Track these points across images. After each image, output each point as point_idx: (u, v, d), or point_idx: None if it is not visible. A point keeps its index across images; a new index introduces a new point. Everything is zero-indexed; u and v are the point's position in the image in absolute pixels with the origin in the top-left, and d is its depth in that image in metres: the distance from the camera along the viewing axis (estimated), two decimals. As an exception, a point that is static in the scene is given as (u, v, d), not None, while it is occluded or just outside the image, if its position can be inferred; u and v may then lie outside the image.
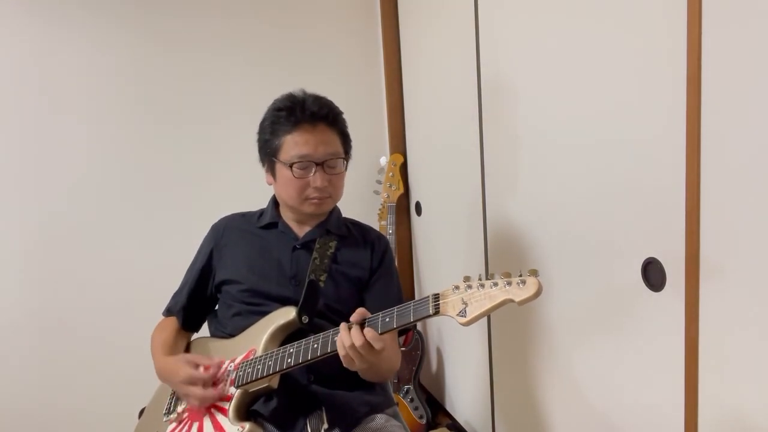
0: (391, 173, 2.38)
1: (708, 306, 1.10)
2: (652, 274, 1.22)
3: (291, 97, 1.37)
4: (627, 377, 1.33)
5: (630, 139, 1.24)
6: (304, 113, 1.33)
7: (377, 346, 1.10)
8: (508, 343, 1.83)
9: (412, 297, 2.54)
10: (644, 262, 1.23)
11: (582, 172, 1.40)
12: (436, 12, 2.06)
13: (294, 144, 1.33)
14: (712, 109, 1.05)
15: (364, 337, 1.10)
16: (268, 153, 1.38)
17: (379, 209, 2.39)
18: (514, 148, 1.66)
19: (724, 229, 1.06)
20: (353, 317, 1.15)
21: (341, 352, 1.13)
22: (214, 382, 1.28)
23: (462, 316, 1.02)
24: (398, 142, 2.47)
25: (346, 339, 1.11)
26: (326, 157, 1.34)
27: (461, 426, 2.23)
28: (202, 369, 1.28)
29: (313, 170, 1.34)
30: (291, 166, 1.33)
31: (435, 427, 2.30)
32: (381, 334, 1.11)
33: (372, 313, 1.15)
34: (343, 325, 1.14)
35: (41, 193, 2.08)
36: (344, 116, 1.41)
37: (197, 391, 1.25)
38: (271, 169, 1.40)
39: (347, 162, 1.43)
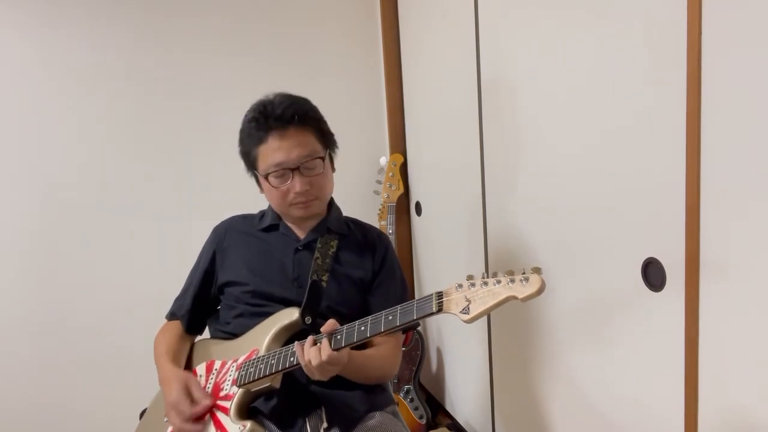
0: (391, 173, 2.38)
1: (708, 306, 1.10)
2: (652, 274, 1.22)
3: (260, 103, 1.35)
4: (627, 377, 1.33)
5: (630, 139, 1.24)
6: (269, 119, 1.30)
7: (324, 355, 1.12)
8: (508, 343, 1.83)
9: (413, 297, 2.54)
10: (644, 262, 1.23)
11: (582, 172, 1.40)
12: (436, 12, 2.06)
13: (268, 154, 1.31)
14: (712, 109, 1.05)
15: (319, 354, 1.12)
16: (249, 166, 1.38)
17: (379, 209, 2.39)
18: (513, 148, 1.66)
19: (724, 229, 1.06)
20: (323, 328, 1.16)
21: (302, 363, 1.15)
22: (198, 417, 1.27)
23: (465, 313, 1.02)
24: (398, 142, 2.47)
25: (300, 358, 1.14)
26: (301, 161, 1.31)
27: (461, 426, 2.23)
28: (189, 403, 1.26)
29: (291, 176, 1.32)
30: (267, 176, 1.32)
31: (435, 427, 2.30)
32: (341, 348, 1.14)
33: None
34: (296, 344, 1.17)
35: (42, 193, 2.08)
36: (318, 109, 1.37)
37: (177, 420, 1.25)
38: (256, 180, 1.41)
39: (330, 158, 1.40)
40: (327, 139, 1.38)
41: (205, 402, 1.27)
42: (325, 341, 1.14)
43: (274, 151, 1.30)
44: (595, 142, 1.35)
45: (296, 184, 1.31)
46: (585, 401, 1.48)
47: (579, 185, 1.41)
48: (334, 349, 1.13)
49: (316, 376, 1.16)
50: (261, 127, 1.31)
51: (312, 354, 1.13)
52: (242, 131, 1.37)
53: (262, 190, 1.41)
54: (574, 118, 1.40)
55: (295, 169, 1.31)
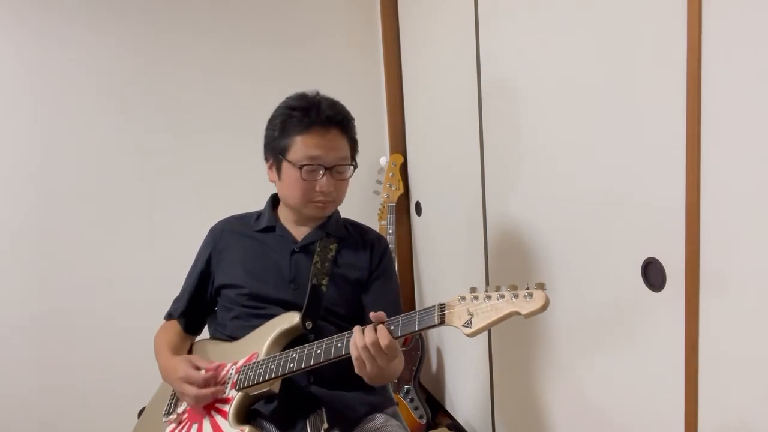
0: (391, 173, 2.38)
1: (708, 306, 1.10)
2: (652, 274, 1.22)
3: (305, 97, 1.37)
4: (627, 377, 1.33)
5: (630, 139, 1.24)
6: (319, 116, 1.32)
7: (384, 344, 1.09)
8: (508, 343, 1.83)
9: (413, 297, 2.54)
10: (644, 262, 1.23)
11: (582, 172, 1.40)
12: (436, 12, 2.06)
13: (305, 146, 1.32)
14: (712, 109, 1.05)
15: (377, 336, 1.09)
16: (276, 150, 1.37)
17: (379, 209, 2.39)
18: (514, 148, 1.66)
19: (724, 229, 1.06)
20: (372, 316, 1.14)
21: (354, 354, 1.12)
22: (211, 383, 1.28)
23: (467, 327, 1.02)
24: (398, 142, 2.47)
25: (359, 339, 1.11)
26: (336, 162, 1.34)
27: (461, 426, 2.23)
28: (202, 371, 1.28)
29: (322, 174, 1.34)
30: (301, 168, 1.32)
31: (435, 427, 2.30)
32: (396, 338, 1.11)
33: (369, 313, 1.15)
34: (357, 328, 1.13)
35: (42, 194, 2.08)
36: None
37: (192, 389, 1.26)
38: (276, 167, 1.39)
39: (354, 168, 1.42)
40: (355, 152, 1.42)
41: (213, 365, 1.29)
42: (382, 327, 1.11)
43: (314, 145, 1.32)
44: (595, 141, 1.34)
45: (325, 182, 1.34)
46: (585, 400, 1.48)
47: (579, 185, 1.41)
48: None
49: (366, 368, 1.12)
50: (305, 119, 1.32)
51: (369, 337, 1.09)
52: (278, 116, 1.37)
53: (278, 178, 1.38)
54: (574, 118, 1.40)
55: (328, 169, 1.34)
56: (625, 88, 1.24)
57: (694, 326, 1.12)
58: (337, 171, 1.36)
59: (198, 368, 1.29)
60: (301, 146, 1.33)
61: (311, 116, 1.32)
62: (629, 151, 1.25)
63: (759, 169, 0.99)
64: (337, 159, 1.34)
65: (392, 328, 1.10)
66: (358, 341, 1.11)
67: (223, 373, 1.32)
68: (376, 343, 1.09)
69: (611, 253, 1.33)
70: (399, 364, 1.35)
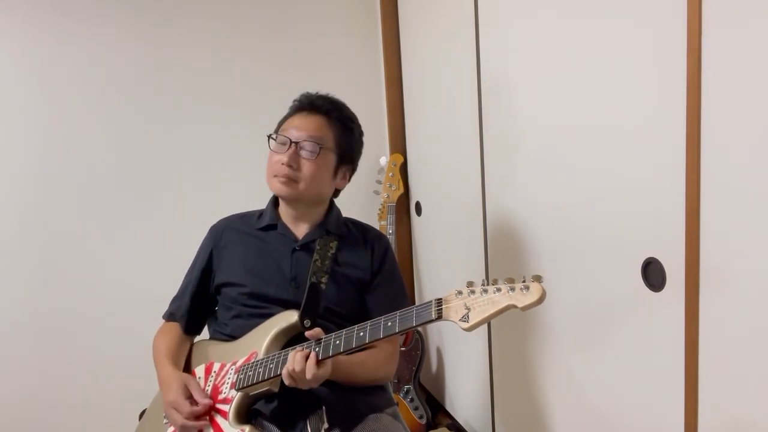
0: (391, 173, 2.38)
1: (708, 306, 1.10)
2: (652, 274, 1.22)
3: (312, 92, 1.45)
4: (627, 377, 1.33)
5: (630, 139, 1.24)
6: (306, 102, 1.41)
7: (308, 375, 1.13)
8: (508, 343, 1.83)
9: (412, 297, 2.54)
10: (644, 262, 1.23)
11: (582, 172, 1.40)
12: (436, 12, 2.06)
13: (286, 125, 1.39)
14: (712, 109, 1.05)
15: (304, 364, 1.14)
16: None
17: (379, 209, 2.39)
18: (513, 148, 1.66)
19: (724, 229, 1.06)
20: (308, 334, 1.19)
21: (286, 381, 1.17)
22: (199, 415, 1.27)
23: (464, 321, 1.02)
24: (398, 142, 2.47)
25: (288, 364, 1.15)
26: (302, 138, 1.36)
27: (461, 426, 2.23)
28: (188, 402, 1.27)
29: (287, 147, 1.36)
30: (269, 138, 1.38)
31: (435, 427, 2.30)
32: (330, 357, 1.16)
33: (376, 316, 1.16)
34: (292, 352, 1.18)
35: (40, 194, 2.08)
36: (358, 123, 1.45)
37: (178, 418, 1.26)
38: None
39: (338, 165, 1.41)
40: (346, 150, 1.42)
41: (205, 401, 1.27)
42: (313, 356, 1.15)
43: (291, 124, 1.39)
44: (595, 141, 1.34)
45: (287, 155, 1.35)
46: (585, 401, 1.48)
47: (579, 185, 1.41)
48: (332, 354, 1.16)
49: (300, 386, 1.17)
50: (297, 104, 1.43)
51: (297, 365, 1.14)
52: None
53: None
54: (574, 118, 1.40)
55: (295, 143, 1.36)
56: (626, 88, 1.24)
57: (694, 326, 1.12)
58: (303, 147, 1.36)
59: (189, 395, 1.28)
60: (284, 126, 1.40)
61: (303, 102, 1.42)
62: (629, 151, 1.25)
63: (759, 169, 0.99)
64: (307, 135, 1.36)
65: (389, 324, 1.12)
66: (288, 366, 1.16)
67: (222, 373, 1.32)
68: (294, 371, 1.14)
69: (611, 253, 1.33)
70: (381, 369, 1.38)
